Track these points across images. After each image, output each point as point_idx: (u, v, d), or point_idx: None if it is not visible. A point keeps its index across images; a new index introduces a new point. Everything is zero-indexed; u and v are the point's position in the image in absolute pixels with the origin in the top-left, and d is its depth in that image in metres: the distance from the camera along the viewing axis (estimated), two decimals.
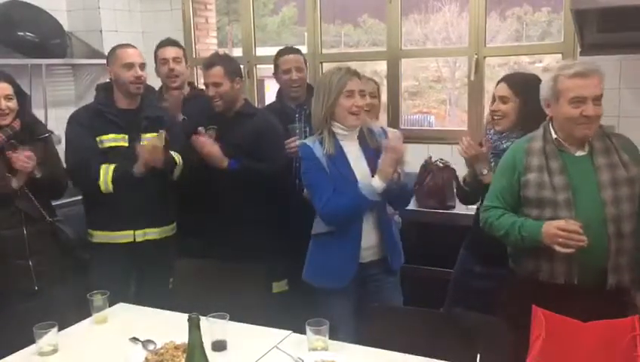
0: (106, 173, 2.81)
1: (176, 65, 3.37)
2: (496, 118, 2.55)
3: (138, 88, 2.90)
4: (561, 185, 2.15)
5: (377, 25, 15.28)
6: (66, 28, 4.32)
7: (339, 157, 2.48)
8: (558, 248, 2.04)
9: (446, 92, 16.85)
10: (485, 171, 2.52)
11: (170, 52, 3.38)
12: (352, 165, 2.49)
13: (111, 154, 2.85)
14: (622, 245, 2.12)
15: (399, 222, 2.99)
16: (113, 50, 2.97)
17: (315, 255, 2.60)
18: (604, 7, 2.61)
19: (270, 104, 3.58)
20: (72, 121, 2.94)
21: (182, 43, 4.58)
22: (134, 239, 2.92)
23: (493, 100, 2.58)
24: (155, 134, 2.88)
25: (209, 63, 3.04)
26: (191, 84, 3.61)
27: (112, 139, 2.86)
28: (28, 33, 3.90)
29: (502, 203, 2.27)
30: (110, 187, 2.82)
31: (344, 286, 2.49)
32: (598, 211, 2.11)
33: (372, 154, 2.51)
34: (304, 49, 4.24)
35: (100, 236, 2.94)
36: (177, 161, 2.97)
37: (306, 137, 3.26)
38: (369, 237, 2.52)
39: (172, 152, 2.95)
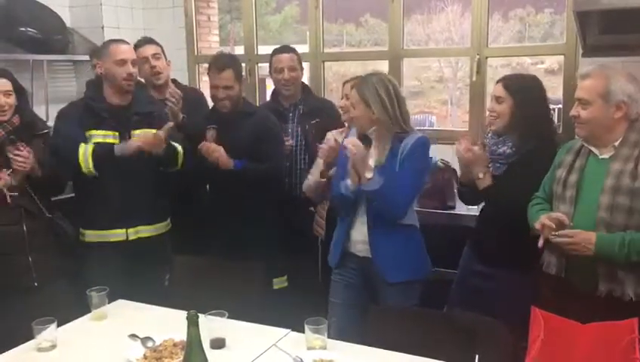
0: (85, 151, 2.75)
1: (156, 61, 3.35)
2: (491, 118, 2.56)
3: (129, 85, 2.86)
4: (571, 183, 2.19)
5: (379, 24, 15.30)
6: (67, 24, 4.33)
7: None
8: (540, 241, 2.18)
9: (448, 92, 16.86)
10: (481, 175, 2.51)
11: (149, 50, 3.34)
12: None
13: None
14: None
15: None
16: (105, 45, 2.94)
17: None
18: (606, 9, 2.61)
19: (265, 103, 3.59)
20: (62, 115, 2.91)
21: (184, 40, 4.63)
22: (127, 237, 2.90)
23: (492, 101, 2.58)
24: (144, 130, 2.86)
25: (222, 65, 3.00)
26: (174, 81, 3.58)
27: (101, 136, 2.82)
28: (30, 29, 3.91)
29: (543, 194, 2.37)
30: (91, 166, 2.75)
31: (335, 265, 2.63)
32: (593, 214, 2.11)
33: (387, 162, 2.45)
34: (306, 48, 4.25)
35: (91, 235, 2.91)
36: (179, 151, 2.95)
37: (297, 137, 3.28)
38: (358, 230, 2.54)
39: (174, 143, 2.94)
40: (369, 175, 2.36)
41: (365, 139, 2.48)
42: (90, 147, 2.77)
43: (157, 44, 3.43)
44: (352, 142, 2.37)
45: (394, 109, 2.43)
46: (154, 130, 2.84)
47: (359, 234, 2.54)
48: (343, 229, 2.59)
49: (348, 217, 2.57)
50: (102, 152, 2.77)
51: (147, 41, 3.42)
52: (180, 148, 2.97)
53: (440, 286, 2.87)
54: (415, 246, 2.60)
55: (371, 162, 2.45)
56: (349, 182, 2.43)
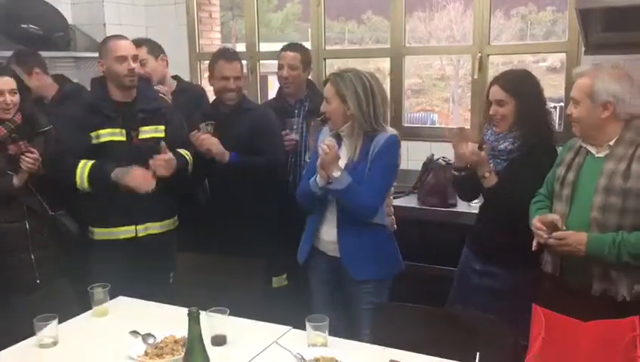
0: (83, 170, 2.73)
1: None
2: (495, 120, 2.55)
3: (132, 81, 2.82)
4: (568, 181, 2.19)
5: (381, 22, 15.25)
6: (69, 21, 4.33)
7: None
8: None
9: (449, 90, 16.84)
10: (487, 174, 2.50)
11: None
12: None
13: (108, 149, 2.79)
14: None
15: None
16: (105, 42, 2.89)
17: None
18: (608, 7, 2.61)
19: (270, 100, 3.59)
20: (62, 118, 2.87)
21: (185, 37, 4.62)
22: (136, 234, 2.90)
23: (489, 103, 2.56)
24: (152, 127, 2.86)
25: (231, 56, 3.04)
26: (176, 77, 3.55)
27: (108, 134, 2.80)
28: (32, 26, 3.91)
29: (545, 191, 2.37)
30: (86, 184, 2.73)
31: (303, 261, 2.66)
32: (587, 214, 2.11)
33: (358, 161, 2.47)
34: (308, 45, 4.25)
35: (101, 233, 2.90)
36: (189, 160, 2.95)
37: (302, 133, 3.28)
38: (328, 231, 2.55)
39: (181, 151, 2.92)
40: (336, 174, 2.36)
41: (336, 138, 2.51)
42: (87, 166, 2.73)
43: (148, 45, 3.35)
44: (328, 142, 2.37)
45: (368, 107, 2.44)
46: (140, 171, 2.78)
47: (329, 235, 2.55)
48: (312, 227, 2.61)
49: (315, 215, 2.59)
50: (98, 175, 2.74)
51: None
52: (189, 157, 2.95)
53: (440, 284, 2.88)
54: (384, 245, 2.59)
55: (342, 161, 2.47)
56: (318, 178, 2.44)
